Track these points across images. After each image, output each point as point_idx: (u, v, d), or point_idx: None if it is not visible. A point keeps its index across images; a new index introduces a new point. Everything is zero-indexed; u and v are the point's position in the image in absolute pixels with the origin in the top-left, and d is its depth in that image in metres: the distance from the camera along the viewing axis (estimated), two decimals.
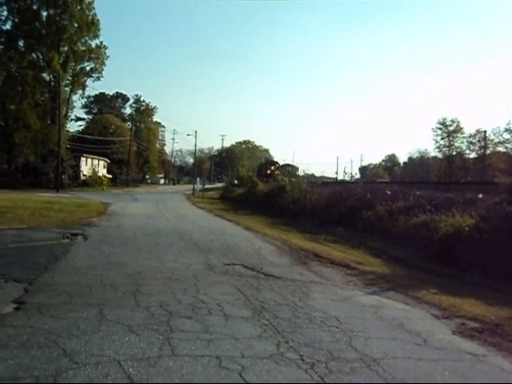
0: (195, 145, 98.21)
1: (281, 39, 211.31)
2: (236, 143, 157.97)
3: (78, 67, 65.49)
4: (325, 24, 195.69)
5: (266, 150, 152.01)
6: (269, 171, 67.03)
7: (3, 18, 60.37)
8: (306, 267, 12.42)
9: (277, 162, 75.27)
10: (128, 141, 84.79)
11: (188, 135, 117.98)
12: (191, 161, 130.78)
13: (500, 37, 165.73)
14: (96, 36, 65.52)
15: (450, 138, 69.34)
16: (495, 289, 11.08)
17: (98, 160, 76.58)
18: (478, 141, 64.58)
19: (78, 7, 61.93)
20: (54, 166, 55.01)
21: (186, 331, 6.13)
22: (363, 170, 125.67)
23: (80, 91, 67.86)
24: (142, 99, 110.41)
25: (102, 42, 66.70)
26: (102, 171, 78.16)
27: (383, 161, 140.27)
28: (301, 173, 43.99)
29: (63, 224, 18.23)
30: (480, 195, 17.73)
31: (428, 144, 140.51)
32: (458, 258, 13.57)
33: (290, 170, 55.17)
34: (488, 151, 61.81)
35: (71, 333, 5.74)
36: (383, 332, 6.82)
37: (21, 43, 61.45)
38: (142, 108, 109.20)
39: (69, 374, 4.55)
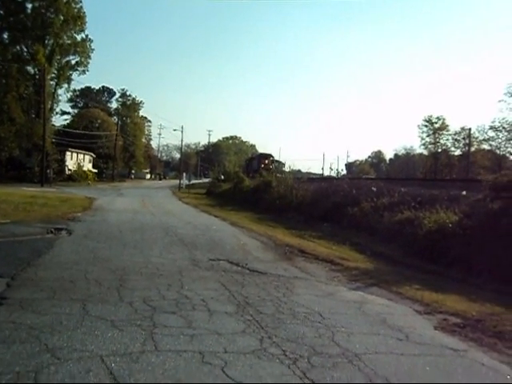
0: (181, 140, 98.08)
1: (269, 36, 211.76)
2: (223, 138, 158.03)
3: (64, 60, 64.94)
4: (312, 21, 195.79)
5: (253, 146, 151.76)
6: (263, 165, 59.54)
7: None
8: (291, 263, 12.45)
9: (271, 155, 66.28)
10: (114, 135, 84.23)
11: (174, 130, 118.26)
12: (178, 156, 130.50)
13: (486, 34, 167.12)
14: (82, 30, 65.10)
15: (436, 135, 70.05)
16: (478, 285, 11.19)
17: (84, 154, 76.03)
18: (463, 138, 65.28)
19: (65, 0, 61.30)
20: (39, 160, 54.51)
21: (170, 326, 6.12)
22: (349, 166, 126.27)
23: (65, 85, 67.41)
24: (128, 93, 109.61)
25: (87, 36, 66.31)
26: (88, 166, 77.60)
27: (369, 157, 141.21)
28: (287, 168, 44.07)
29: (47, 219, 18.07)
30: (464, 192, 17.88)
31: (414, 141, 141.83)
32: (441, 254, 13.70)
33: (276, 165, 55.63)
34: (473, 148, 62.44)
35: (54, 328, 5.71)
36: (366, 327, 6.87)
37: (5, 35, 60.74)
38: (129, 102, 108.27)
39: (50, 370, 4.52)
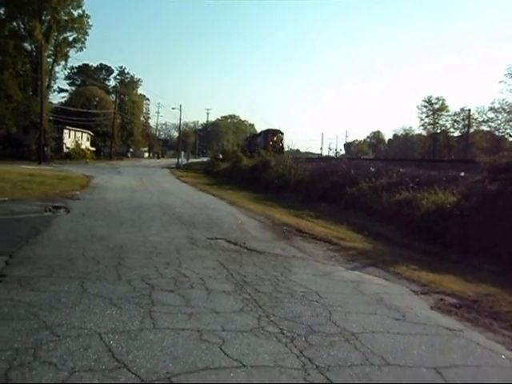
0: (180, 118, 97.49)
1: (268, 16, 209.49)
2: (221, 117, 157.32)
3: (61, 37, 64.01)
4: (314, 3, 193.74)
5: (252, 125, 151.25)
6: (271, 142, 52.23)
7: None
8: (289, 242, 12.49)
9: (280, 131, 56.75)
10: (112, 113, 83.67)
11: (173, 109, 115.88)
12: (176, 134, 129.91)
13: (487, 17, 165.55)
14: (79, 5, 64.15)
15: (435, 116, 69.86)
16: (475, 266, 11.26)
17: (82, 132, 75.59)
18: (463, 119, 65.13)
19: None
20: (37, 138, 54.15)
21: (168, 305, 6.16)
22: (348, 146, 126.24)
23: (63, 62, 66.49)
24: (126, 71, 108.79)
25: (84, 11, 65.35)
26: (86, 144, 77.23)
27: (368, 137, 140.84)
28: (286, 148, 43.75)
29: (45, 197, 18.05)
30: (462, 173, 17.87)
31: (413, 121, 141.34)
32: (439, 235, 13.73)
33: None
34: (472, 130, 62.33)
35: (52, 306, 5.74)
36: (363, 307, 6.92)
37: (1, 11, 59.95)
38: (127, 80, 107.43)
39: (49, 347, 4.56)
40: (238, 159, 44.28)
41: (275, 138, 53.97)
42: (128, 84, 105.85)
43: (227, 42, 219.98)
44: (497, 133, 57.90)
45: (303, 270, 9.21)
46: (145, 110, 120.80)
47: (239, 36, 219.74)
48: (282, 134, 55.80)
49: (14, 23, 60.77)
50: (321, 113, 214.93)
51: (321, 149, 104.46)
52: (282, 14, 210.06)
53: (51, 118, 61.76)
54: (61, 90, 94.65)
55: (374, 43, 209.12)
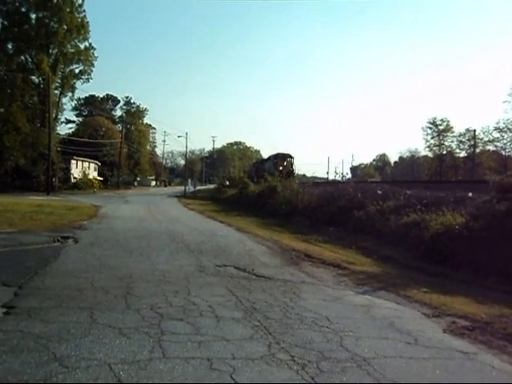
0: (186, 146, 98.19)
1: (271, 41, 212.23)
2: (227, 144, 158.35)
3: (68, 69, 65.32)
4: (316, 25, 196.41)
5: (257, 151, 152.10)
6: (281, 167, 49.16)
7: None
8: (298, 268, 12.42)
9: (290, 155, 53.49)
10: (119, 143, 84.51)
11: (179, 137, 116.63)
12: (182, 162, 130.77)
13: (489, 35, 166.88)
14: (85, 38, 65.47)
15: (440, 137, 69.89)
16: (486, 287, 11.13)
17: (89, 162, 76.29)
18: (468, 140, 65.11)
19: (68, 9, 61.65)
20: (45, 169, 54.70)
21: (177, 333, 6.12)
22: (354, 169, 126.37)
23: (70, 93, 67.84)
24: (132, 101, 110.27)
25: (90, 44, 66.63)
26: (93, 174, 77.85)
27: (374, 160, 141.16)
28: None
29: (54, 227, 18.13)
30: (470, 194, 17.80)
31: (418, 143, 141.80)
32: (448, 256, 13.62)
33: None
34: (478, 150, 62.26)
35: (61, 337, 5.72)
36: (374, 331, 6.84)
37: (9, 46, 61.17)
38: (133, 110, 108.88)
39: (59, 379, 4.53)
40: (245, 185, 44.35)
41: (285, 163, 51.31)
42: (134, 114, 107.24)
43: (229, 69, 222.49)
44: (503, 152, 57.86)
45: (313, 295, 9.14)
46: (151, 139, 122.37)
47: (241, 62, 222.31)
48: (291, 158, 53.15)
49: (22, 57, 62.16)
50: (326, 137, 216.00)
51: (327, 173, 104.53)
52: (284, 39, 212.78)
53: (59, 148, 62.48)
54: (68, 121, 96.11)
55: (378, 65, 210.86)
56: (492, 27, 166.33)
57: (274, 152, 56.84)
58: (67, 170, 65.71)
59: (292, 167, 50.83)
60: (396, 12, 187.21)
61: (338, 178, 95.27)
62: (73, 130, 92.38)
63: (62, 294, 7.85)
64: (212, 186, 74.60)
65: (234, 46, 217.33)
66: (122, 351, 5.33)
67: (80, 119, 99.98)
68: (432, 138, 71.20)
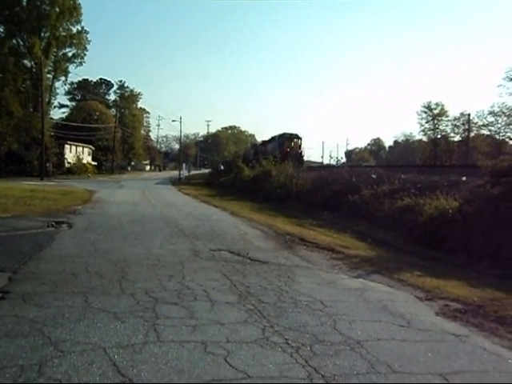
0: (180, 131, 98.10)
1: (267, 25, 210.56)
2: (222, 128, 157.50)
3: (60, 53, 64.78)
4: (312, 9, 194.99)
5: (252, 135, 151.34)
6: (288, 149, 43.99)
7: None
8: (292, 252, 12.47)
9: (297, 135, 47.31)
10: (113, 127, 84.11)
11: (173, 121, 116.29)
12: (177, 147, 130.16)
13: (485, 20, 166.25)
14: (78, 21, 64.84)
15: (435, 122, 69.90)
16: (479, 270, 11.23)
17: (83, 147, 75.92)
18: (463, 124, 65.12)
19: None
20: (38, 154, 54.42)
21: (172, 317, 6.14)
22: (349, 154, 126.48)
23: (63, 78, 67.34)
24: (126, 85, 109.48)
25: (83, 27, 66.02)
26: (87, 158, 77.54)
27: (369, 144, 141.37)
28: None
29: (48, 212, 18.09)
30: (464, 178, 17.85)
31: (413, 127, 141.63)
32: (442, 240, 13.70)
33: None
34: (472, 134, 62.31)
35: (56, 321, 5.74)
36: (367, 314, 6.89)
37: (1, 29, 60.53)
38: (127, 94, 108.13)
39: (54, 363, 4.55)
40: (240, 170, 44.17)
41: (292, 144, 45.83)
42: (128, 98, 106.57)
43: (225, 53, 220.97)
44: (497, 136, 57.85)
45: (307, 279, 9.18)
46: (145, 123, 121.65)
47: (236, 45, 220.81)
48: (299, 138, 47.18)
49: (14, 41, 61.48)
50: (321, 121, 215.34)
51: (322, 157, 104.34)
52: (279, 25, 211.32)
53: (52, 133, 62.12)
54: (61, 106, 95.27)
55: (373, 50, 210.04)
56: (486, 12, 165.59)
57: (267, 137, 54.48)
58: (61, 154, 65.37)
59: (300, 149, 45.57)
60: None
61: (333, 162, 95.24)
62: (66, 114, 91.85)
63: (57, 279, 7.85)
64: (207, 171, 74.43)
65: (230, 31, 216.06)
66: (117, 335, 5.35)
67: (73, 103, 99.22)
68: (427, 123, 71.24)
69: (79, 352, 4.83)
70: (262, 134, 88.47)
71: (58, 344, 5.01)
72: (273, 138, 50.88)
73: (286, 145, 45.37)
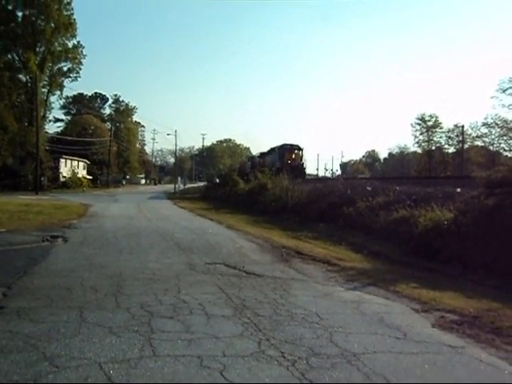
0: (175, 144, 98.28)
1: (259, 38, 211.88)
2: (217, 142, 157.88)
3: (55, 67, 65.11)
4: (305, 22, 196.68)
5: (247, 148, 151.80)
6: (289, 161, 42.71)
7: None
8: (288, 264, 12.45)
9: (298, 146, 46.08)
10: (108, 141, 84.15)
11: (168, 135, 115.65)
12: (172, 160, 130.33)
13: (477, 31, 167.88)
14: (73, 36, 65.16)
15: (429, 133, 70.02)
16: (474, 281, 11.21)
17: (78, 161, 75.98)
18: (457, 135, 65.29)
19: (56, 7, 61.25)
20: (33, 168, 54.39)
21: (167, 331, 6.12)
22: (344, 166, 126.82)
23: (58, 92, 67.56)
24: (121, 99, 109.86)
25: (78, 42, 66.38)
26: (82, 172, 77.55)
27: (364, 157, 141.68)
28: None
29: (43, 227, 18.05)
30: (458, 189, 17.89)
31: (408, 139, 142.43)
32: (437, 251, 13.70)
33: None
34: (466, 145, 62.48)
35: (51, 336, 5.71)
36: (364, 327, 6.88)
37: None
38: (122, 108, 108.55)
39: (49, 378, 4.53)
40: (235, 183, 44.15)
41: (293, 156, 44.31)
42: (123, 112, 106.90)
43: (221, 67, 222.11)
44: (491, 148, 58.05)
45: (303, 291, 9.16)
46: (140, 137, 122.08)
47: (229, 61, 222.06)
48: (301, 149, 45.79)
49: (9, 55, 61.70)
50: (315, 134, 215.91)
51: (317, 169, 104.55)
52: (272, 37, 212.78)
53: (47, 147, 62.18)
54: (56, 120, 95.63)
55: (365, 62, 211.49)
56: (479, 22, 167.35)
57: (263, 149, 53.80)
58: (56, 168, 65.41)
59: (302, 160, 44.34)
60: (384, 8, 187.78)
61: (328, 174, 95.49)
62: (61, 128, 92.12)
63: (52, 294, 7.82)
64: (202, 184, 74.38)
65: (225, 45, 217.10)
66: (112, 350, 5.32)
67: (68, 118, 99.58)
68: (421, 134, 71.35)
69: (74, 367, 4.80)
70: (259, 146, 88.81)
71: (53, 359, 4.98)
72: (272, 150, 49.48)
73: (287, 156, 44.05)
